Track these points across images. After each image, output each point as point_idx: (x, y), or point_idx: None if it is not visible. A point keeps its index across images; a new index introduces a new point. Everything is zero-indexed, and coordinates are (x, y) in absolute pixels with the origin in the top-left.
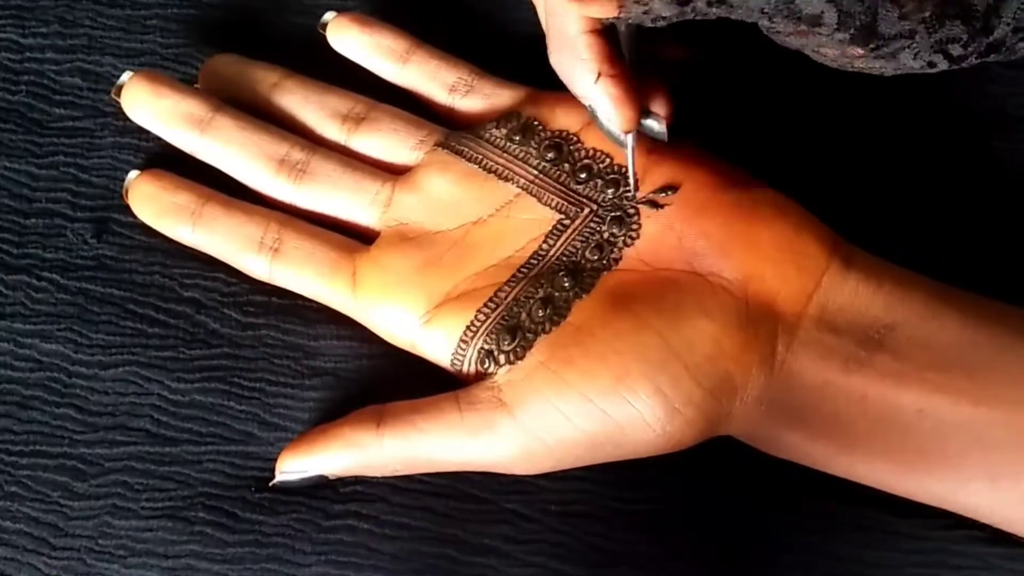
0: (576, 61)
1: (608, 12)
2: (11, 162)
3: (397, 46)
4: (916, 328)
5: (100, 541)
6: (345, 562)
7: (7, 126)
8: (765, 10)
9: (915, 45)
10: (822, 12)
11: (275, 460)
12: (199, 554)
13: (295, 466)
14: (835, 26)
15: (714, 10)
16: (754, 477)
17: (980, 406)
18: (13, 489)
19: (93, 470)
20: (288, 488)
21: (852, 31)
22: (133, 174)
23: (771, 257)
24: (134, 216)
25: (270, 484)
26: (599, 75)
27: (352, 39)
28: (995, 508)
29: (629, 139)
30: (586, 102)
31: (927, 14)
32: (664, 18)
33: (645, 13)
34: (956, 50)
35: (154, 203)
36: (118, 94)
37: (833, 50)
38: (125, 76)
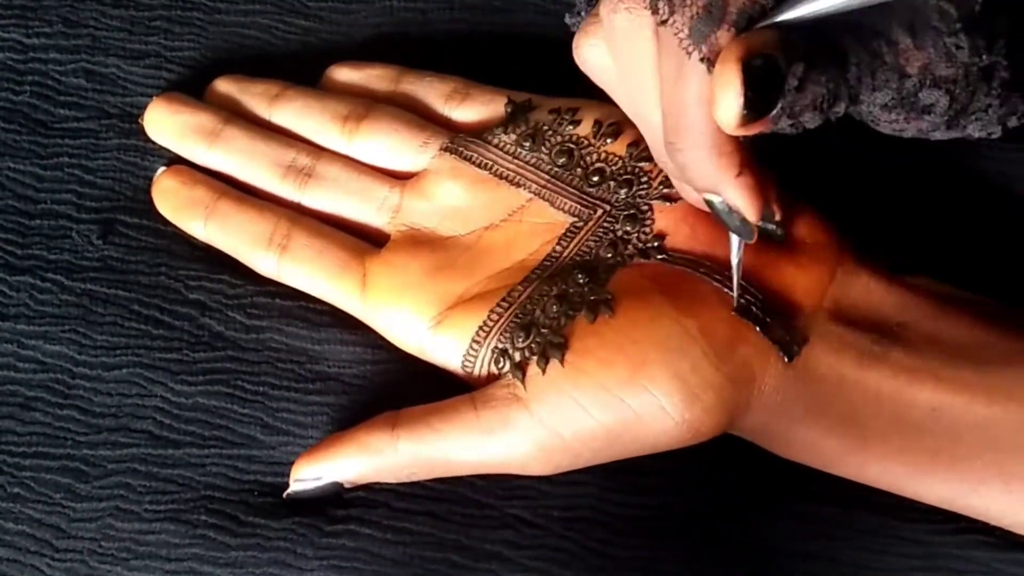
0: (716, 157)
1: (760, 129)
2: (15, 163)
3: (387, 74)
4: (928, 325)
5: (103, 543)
6: (347, 567)
7: (11, 127)
8: (888, 104)
9: (987, 118)
10: (936, 101)
11: (277, 464)
12: (201, 557)
13: (309, 473)
14: (944, 112)
15: (845, 110)
16: (756, 483)
17: (994, 406)
18: (16, 490)
19: (96, 472)
20: (301, 498)
21: (952, 113)
22: (160, 169)
23: (786, 245)
24: (139, 217)
25: (284, 495)
26: (741, 169)
27: (347, 76)
28: (1006, 511)
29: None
30: (710, 196)
31: (1000, 89)
32: (803, 126)
33: (792, 127)
34: (1012, 122)
35: (172, 198)
36: (142, 119)
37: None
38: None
